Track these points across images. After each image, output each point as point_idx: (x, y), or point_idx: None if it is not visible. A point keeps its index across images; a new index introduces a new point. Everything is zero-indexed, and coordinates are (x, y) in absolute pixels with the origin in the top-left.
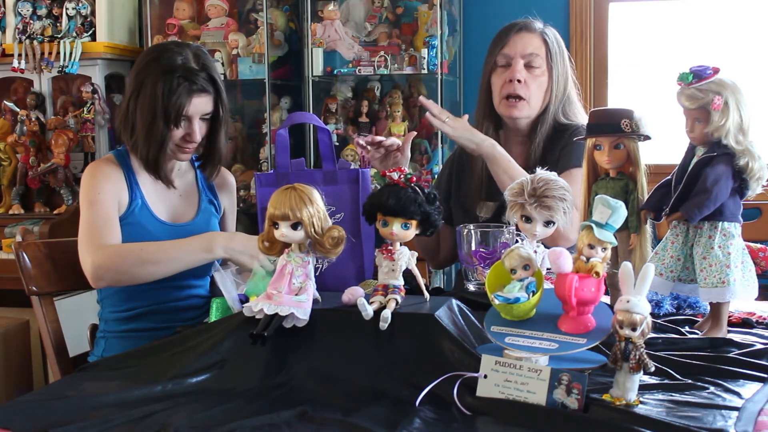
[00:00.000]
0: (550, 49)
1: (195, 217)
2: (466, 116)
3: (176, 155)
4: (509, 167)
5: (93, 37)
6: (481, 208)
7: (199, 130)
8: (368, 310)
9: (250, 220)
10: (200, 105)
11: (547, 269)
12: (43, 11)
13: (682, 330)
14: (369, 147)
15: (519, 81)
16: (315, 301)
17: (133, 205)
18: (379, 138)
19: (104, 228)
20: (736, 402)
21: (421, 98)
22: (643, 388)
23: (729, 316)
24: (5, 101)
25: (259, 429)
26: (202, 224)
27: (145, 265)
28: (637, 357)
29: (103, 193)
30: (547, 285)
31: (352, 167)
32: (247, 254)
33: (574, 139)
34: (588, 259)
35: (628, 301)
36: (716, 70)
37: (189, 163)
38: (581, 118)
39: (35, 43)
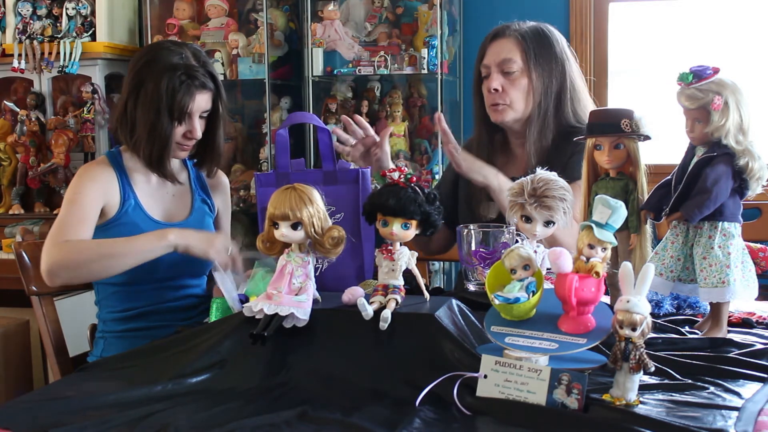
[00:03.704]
0: (525, 50)
1: (188, 216)
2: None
3: (175, 153)
4: None
5: (93, 37)
6: (486, 207)
7: (199, 127)
8: (368, 310)
9: (250, 220)
10: (201, 102)
11: (547, 269)
12: (43, 11)
13: (682, 330)
14: (347, 146)
15: (496, 90)
16: (315, 301)
17: (126, 205)
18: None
19: (75, 226)
20: (736, 402)
21: (438, 116)
22: (643, 388)
23: (729, 316)
24: (5, 101)
25: (259, 429)
26: (195, 223)
27: (102, 259)
28: (637, 357)
29: (84, 195)
30: (547, 285)
31: (351, 167)
32: (202, 244)
33: (575, 139)
34: (588, 259)
35: (628, 301)
36: (716, 70)
37: (181, 162)
38: None
39: (35, 43)
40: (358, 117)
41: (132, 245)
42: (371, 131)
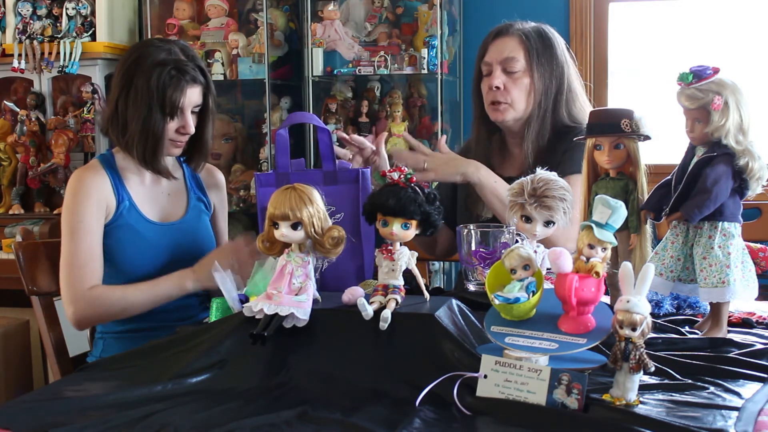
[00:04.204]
0: (528, 50)
1: (184, 215)
2: (444, 138)
3: (168, 150)
4: (495, 189)
5: (93, 37)
6: (482, 207)
7: (192, 122)
8: (368, 310)
9: (250, 220)
10: (192, 96)
11: (547, 269)
12: (43, 11)
13: (682, 330)
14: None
15: (498, 88)
16: (315, 301)
17: (121, 207)
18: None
19: (86, 266)
20: (736, 402)
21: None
22: (643, 388)
23: (729, 316)
24: (5, 101)
25: (259, 429)
26: (192, 222)
27: (126, 310)
28: (637, 357)
29: (86, 221)
30: (547, 285)
31: (351, 167)
32: (214, 276)
33: (575, 139)
34: (588, 259)
35: (628, 301)
36: (716, 70)
37: (176, 161)
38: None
39: (35, 43)
40: (353, 136)
41: (154, 296)
42: (367, 144)
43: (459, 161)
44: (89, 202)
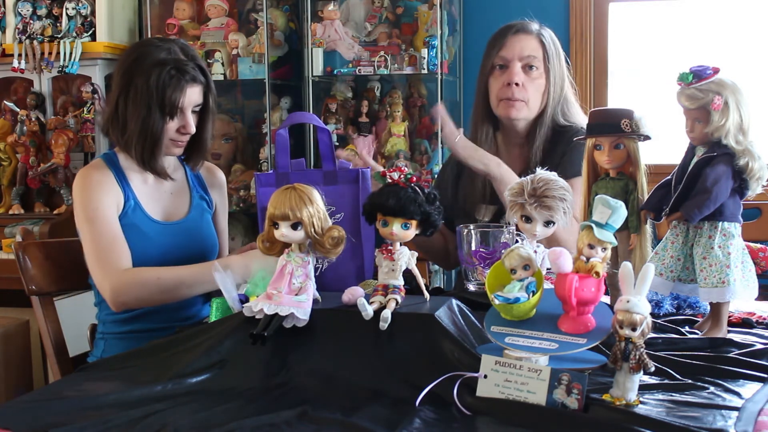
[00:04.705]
0: (547, 51)
1: (188, 213)
2: (461, 131)
3: (169, 149)
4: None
5: (93, 37)
6: (481, 211)
7: (192, 121)
8: (368, 310)
9: (250, 220)
10: (193, 96)
11: (547, 269)
12: (43, 11)
13: (682, 330)
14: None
15: (516, 84)
16: (315, 301)
17: (126, 207)
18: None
19: (113, 248)
20: (736, 402)
21: (440, 109)
22: (643, 388)
23: (729, 316)
24: (5, 101)
25: (259, 429)
26: (195, 220)
27: (164, 293)
28: (637, 357)
29: (101, 209)
30: (547, 285)
31: (351, 167)
32: (215, 276)
33: (575, 139)
34: (588, 259)
35: (628, 301)
36: (716, 70)
37: (177, 160)
38: (580, 118)
39: (35, 43)
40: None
41: (192, 283)
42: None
43: (484, 152)
44: (101, 193)
